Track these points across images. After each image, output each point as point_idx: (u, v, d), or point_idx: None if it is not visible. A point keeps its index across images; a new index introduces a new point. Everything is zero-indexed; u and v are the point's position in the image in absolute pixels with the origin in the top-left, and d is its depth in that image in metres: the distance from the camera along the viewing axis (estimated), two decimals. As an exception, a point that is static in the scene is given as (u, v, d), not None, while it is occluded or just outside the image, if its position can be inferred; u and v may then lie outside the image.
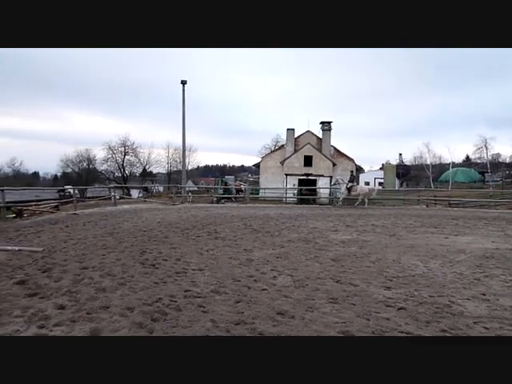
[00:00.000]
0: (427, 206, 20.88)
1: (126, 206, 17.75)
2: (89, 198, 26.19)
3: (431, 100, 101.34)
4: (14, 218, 11.70)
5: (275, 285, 4.81)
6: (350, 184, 20.03)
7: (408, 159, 64.07)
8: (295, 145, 36.05)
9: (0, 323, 3.30)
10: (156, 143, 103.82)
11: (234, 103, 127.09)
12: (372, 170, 61.05)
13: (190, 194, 25.87)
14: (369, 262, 6.17)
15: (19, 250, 6.30)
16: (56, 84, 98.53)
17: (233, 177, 44.35)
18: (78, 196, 17.10)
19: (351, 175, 21.25)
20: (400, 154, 65.83)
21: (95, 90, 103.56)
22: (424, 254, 6.85)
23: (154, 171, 58.25)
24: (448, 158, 50.00)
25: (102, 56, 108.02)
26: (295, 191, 29.36)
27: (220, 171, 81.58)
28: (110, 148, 50.84)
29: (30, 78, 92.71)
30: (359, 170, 40.46)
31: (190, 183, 46.33)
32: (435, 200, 22.98)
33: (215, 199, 25.03)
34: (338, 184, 20.75)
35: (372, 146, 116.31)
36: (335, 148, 36.21)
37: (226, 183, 32.06)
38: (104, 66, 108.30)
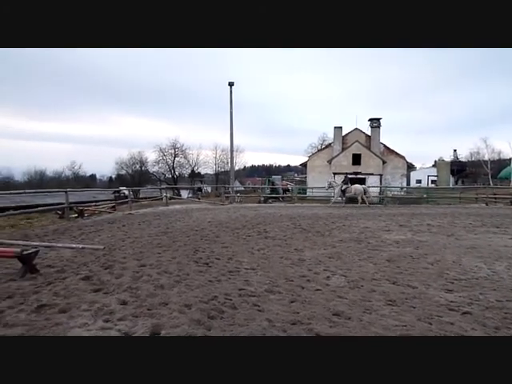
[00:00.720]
0: (487, 205, 19.67)
1: (177, 206, 18.31)
2: (142, 198, 27.29)
3: (488, 92, 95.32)
4: (76, 217, 12.45)
5: (329, 285, 4.74)
6: (344, 186, 19.89)
7: (463, 155, 60.74)
8: (343, 143, 35.36)
9: (70, 316, 3.52)
10: (204, 144, 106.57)
11: (277, 102, 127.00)
12: (424, 168, 58.53)
13: (238, 194, 26.16)
14: (426, 264, 5.90)
15: (82, 248, 6.69)
16: (111, 89, 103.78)
17: (279, 176, 44.23)
18: (132, 197, 17.85)
19: (345, 177, 21.15)
20: (454, 151, 62.39)
21: (145, 94, 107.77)
22: (487, 256, 6.45)
23: (202, 172, 59.56)
24: (508, 153, 46.80)
25: (152, 59, 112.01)
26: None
27: (266, 171, 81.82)
28: (160, 150, 52.79)
29: (92, 85, 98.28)
30: (410, 167, 38.91)
31: (236, 183, 46.85)
32: (495, 198, 21.61)
33: (263, 199, 25.14)
34: (332, 187, 20.59)
35: (424, 143, 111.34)
36: (385, 145, 35.08)
37: (273, 183, 32.07)
38: (154, 70, 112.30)
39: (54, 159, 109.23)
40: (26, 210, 13.49)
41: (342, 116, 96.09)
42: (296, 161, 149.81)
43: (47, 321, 3.42)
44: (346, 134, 36.05)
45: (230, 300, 4.04)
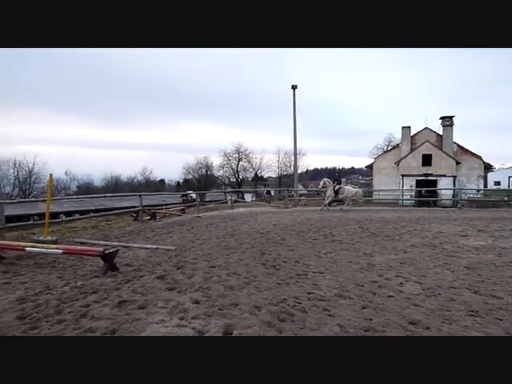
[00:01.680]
0: None
1: (241, 209, 18.65)
2: (208, 201, 28.19)
3: None
4: (148, 219, 13.18)
5: (402, 292, 4.52)
6: (337, 186, 18.10)
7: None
8: (411, 143, 33.77)
9: (148, 312, 3.72)
10: (267, 148, 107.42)
11: (340, 103, 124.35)
12: (504, 168, 53.85)
13: (302, 197, 26.00)
14: (512, 272, 5.41)
15: (156, 249, 7.06)
16: (180, 97, 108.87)
17: (344, 179, 43.29)
18: (199, 200, 18.50)
19: (337, 176, 19.19)
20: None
21: (211, 100, 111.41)
22: None
23: (265, 175, 60.18)
24: None
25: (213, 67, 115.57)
26: (413, 193, 27.42)
27: (329, 174, 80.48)
28: (225, 155, 54.37)
29: (160, 93, 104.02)
30: (488, 168, 36.01)
31: (299, 186, 46.64)
32: None
33: (327, 202, 24.69)
34: (325, 188, 18.54)
35: (503, 141, 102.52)
36: (458, 145, 32.89)
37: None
38: (216, 75, 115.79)
39: (128, 165, 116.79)
40: (105, 213, 14.59)
41: (410, 115, 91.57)
42: (360, 163, 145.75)
43: (128, 316, 3.64)
44: (415, 134, 34.41)
45: (300, 303, 4.01)
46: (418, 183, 30.74)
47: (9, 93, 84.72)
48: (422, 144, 31.95)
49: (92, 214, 13.85)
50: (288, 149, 53.31)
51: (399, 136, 36.45)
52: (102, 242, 7.71)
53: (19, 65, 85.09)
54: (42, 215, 16.14)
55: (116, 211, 15.07)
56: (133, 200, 17.98)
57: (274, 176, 60.47)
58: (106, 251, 5.33)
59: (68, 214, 26.67)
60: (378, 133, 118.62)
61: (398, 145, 37.20)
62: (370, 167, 38.69)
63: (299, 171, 52.76)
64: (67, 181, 60.31)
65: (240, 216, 14.75)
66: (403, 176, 31.66)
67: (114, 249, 5.61)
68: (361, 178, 69.27)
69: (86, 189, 59.35)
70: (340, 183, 18.71)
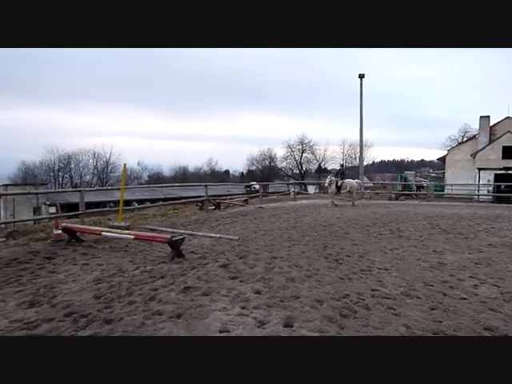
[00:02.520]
0: None
1: (304, 201, 18.52)
2: (270, 193, 28.34)
3: None
4: (213, 209, 13.58)
5: (477, 295, 4.19)
6: (340, 181, 16.09)
7: None
8: (490, 134, 31.07)
9: (211, 299, 3.84)
10: (331, 140, 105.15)
11: (410, 93, 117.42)
12: None
13: (368, 190, 25.14)
14: None
15: (220, 238, 7.25)
16: (244, 88, 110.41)
17: (413, 172, 41.12)
18: (262, 191, 18.67)
19: (339, 171, 17.04)
20: None
21: (275, 91, 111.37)
22: None
23: (329, 167, 59.03)
24: None
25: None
26: (491, 188, 25.32)
27: (397, 166, 76.72)
28: (288, 146, 54.14)
29: (226, 85, 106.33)
30: None
31: (365, 179, 45.17)
32: None
33: (393, 196, 23.69)
34: (330, 184, 16.22)
35: None
36: (547, 135, 29.61)
37: (405, 179, 29.94)
38: (281, 67, 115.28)
39: (195, 156, 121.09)
40: (173, 202, 15.28)
41: (488, 104, 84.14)
42: (431, 155, 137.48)
43: (192, 302, 3.79)
44: (495, 124, 31.64)
45: (363, 300, 3.89)
46: (497, 177, 28.24)
47: (100, 90, 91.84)
48: (503, 135, 29.23)
49: (161, 203, 14.59)
50: (353, 140, 51.78)
51: (476, 126, 33.72)
52: (169, 230, 8.09)
53: (110, 64, 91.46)
54: (116, 202, 17.37)
55: (183, 200, 15.71)
56: (199, 190, 18.58)
57: (337, 168, 59.17)
58: (174, 238, 5.58)
59: (140, 201, 28.40)
60: (451, 123, 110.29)
61: (474, 136, 34.48)
62: (442, 160, 36.36)
63: (365, 163, 51.06)
64: (139, 170, 64.11)
65: (302, 208, 14.65)
66: (480, 169, 29.26)
67: (181, 236, 5.86)
68: (431, 171, 65.23)
69: (156, 178, 62.69)
70: (343, 178, 16.85)
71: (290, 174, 56.39)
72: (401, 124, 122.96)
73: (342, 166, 22.75)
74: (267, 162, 57.75)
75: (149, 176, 65.31)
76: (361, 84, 27.84)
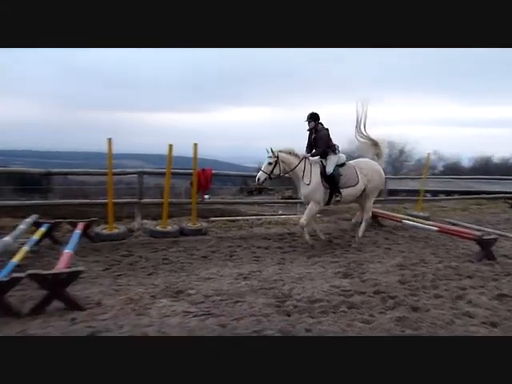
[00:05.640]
0: None
1: None
2: None
3: None
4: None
5: None
6: None
7: None
8: None
9: None
10: None
11: None
12: None
13: None
14: None
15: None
16: None
17: None
18: None
19: None
20: None
21: None
22: None
23: None
24: None
25: None
26: None
27: None
28: None
29: None
30: None
31: None
32: None
33: None
34: None
35: None
36: None
37: None
38: None
39: (503, 145, 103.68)
40: (474, 196, 13.68)
41: None
42: None
43: (509, 312, 3.34)
44: None
45: None
46: None
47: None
48: None
49: (459, 196, 13.32)
50: None
51: None
52: (474, 227, 7.32)
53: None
54: (407, 192, 17.31)
55: (486, 195, 13.78)
56: (507, 184, 15.78)
57: None
58: (484, 237, 5.03)
59: (433, 193, 27.01)
60: None
61: None
62: None
63: None
64: (434, 160, 60.70)
65: None
66: None
67: (493, 236, 5.21)
68: None
69: (451, 169, 57.82)
70: None
71: None
72: None
73: None
74: None
75: (444, 166, 61.01)
76: None
